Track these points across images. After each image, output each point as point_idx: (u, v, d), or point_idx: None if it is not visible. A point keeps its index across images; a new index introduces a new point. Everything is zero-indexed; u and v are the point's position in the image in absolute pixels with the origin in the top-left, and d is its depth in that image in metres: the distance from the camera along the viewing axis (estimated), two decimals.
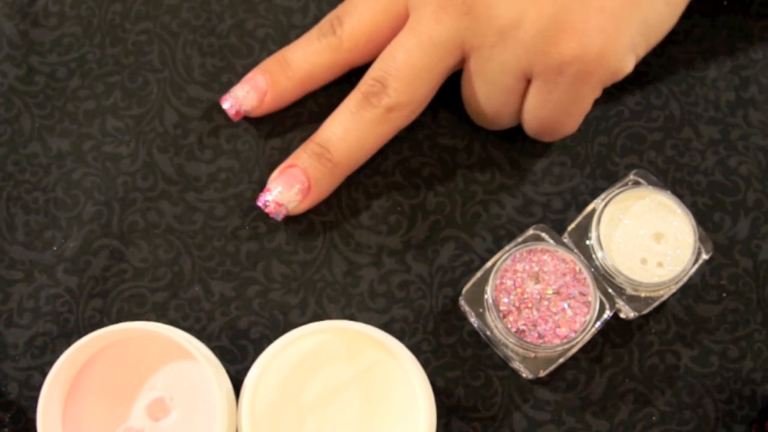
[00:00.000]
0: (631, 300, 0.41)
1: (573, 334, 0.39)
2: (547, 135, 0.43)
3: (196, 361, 0.39)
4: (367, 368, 0.40)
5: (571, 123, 0.42)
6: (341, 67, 0.43)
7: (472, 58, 0.41)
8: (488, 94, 0.41)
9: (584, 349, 0.42)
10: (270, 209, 0.42)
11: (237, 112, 0.43)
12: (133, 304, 0.42)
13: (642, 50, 0.40)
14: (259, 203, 0.42)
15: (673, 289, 0.41)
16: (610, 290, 0.41)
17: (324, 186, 0.42)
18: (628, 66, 0.40)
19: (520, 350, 0.40)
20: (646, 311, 0.41)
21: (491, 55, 0.40)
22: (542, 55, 0.38)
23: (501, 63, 0.40)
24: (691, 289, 0.43)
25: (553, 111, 0.41)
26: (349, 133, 0.41)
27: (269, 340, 0.40)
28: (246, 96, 0.43)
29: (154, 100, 0.45)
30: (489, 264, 0.41)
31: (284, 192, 0.42)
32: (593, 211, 0.42)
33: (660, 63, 0.46)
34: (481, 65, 0.40)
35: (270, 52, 0.45)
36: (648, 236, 0.41)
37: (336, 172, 0.42)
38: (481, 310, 0.41)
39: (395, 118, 0.41)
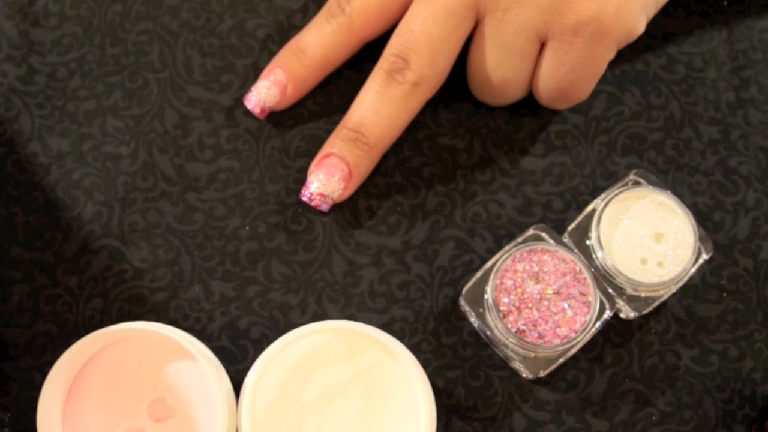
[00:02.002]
0: (631, 300, 0.41)
1: (573, 334, 0.39)
2: (560, 101, 0.43)
3: (196, 361, 0.39)
4: (367, 368, 0.40)
5: (586, 86, 0.42)
6: (355, 45, 0.43)
7: (484, 21, 0.40)
8: (500, 59, 0.41)
9: (584, 349, 0.42)
10: (315, 202, 0.42)
11: (262, 110, 0.43)
12: (133, 304, 0.42)
13: (652, 11, 0.41)
14: (304, 198, 0.42)
15: (673, 289, 0.41)
16: (610, 290, 0.41)
17: (364, 170, 0.42)
18: (640, 26, 0.40)
19: (520, 350, 0.40)
20: (646, 311, 0.41)
21: (505, 18, 0.40)
22: (558, 16, 0.38)
23: (515, 25, 0.40)
24: (691, 289, 0.43)
25: (569, 74, 0.41)
26: (380, 114, 0.41)
27: (269, 340, 0.40)
28: (268, 93, 0.43)
29: (154, 101, 0.45)
30: (489, 264, 0.42)
31: (326, 182, 0.42)
32: (593, 211, 0.42)
33: (660, 63, 0.46)
34: (494, 28, 0.40)
35: (270, 52, 0.45)
36: (648, 236, 0.41)
37: (373, 154, 0.42)
38: (481, 310, 0.41)
39: (422, 91, 0.41)
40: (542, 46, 0.40)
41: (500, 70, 0.41)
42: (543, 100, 0.43)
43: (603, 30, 0.39)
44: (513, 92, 0.43)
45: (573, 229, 0.42)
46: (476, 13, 0.40)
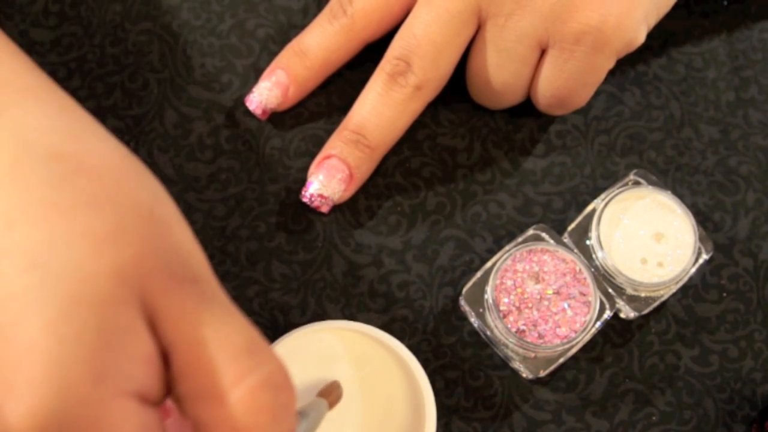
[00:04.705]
0: (631, 300, 0.41)
1: (573, 334, 0.39)
2: (558, 107, 0.43)
3: None
4: (367, 368, 0.40)
5: (584, 94, 0.42)
6: (357, 46, 0.43)
7: (486, 26, 0.40)
8: (500, 64, 0.41)
9: (584, 349, 0.42)
10: (315, 203, 0.42)
11: (264, 111, 0.43)
12: None
13: (653, 20, 0.41)
14: (304, 199, 0.42)
15: (674, 289, 0.41)
16: (610, 290, 0.41)
17: (364, 171, 0.42)
18: (641, 36, 0.40)
19: (520, 350, 0.40)
20: (646, 311, 0.41)
21: (507, 24, 0.40)
22: (560, 24, 0.39)
23: (517, 31, 0.40)
24: (691, 289, 0.43)
25: (568, 81, 0.41)
26: (381, 116, 0.41)
27: (269, 340, 0.40)
28: (269, 94, 0.43)
29: (154, 100, 0.45)
30: (489, 264, 0.42)
31: (326, 184, 0.42)
32: (593, 211, 0.42)
33: (660, 63, 0.46)
34: (496, 33, 0.40)
35: (270, 52, 0.45)
36: (648, 236, 0.41)
37: (374, 155, 0.42)
38: (481, 310, 0.41)
39: (423, 94, 0.42)
40: (543, 52, 0.40)
41: (500, 75, 0.41)
42: (541, 106, 0.43)
43: (604, 39, 0.39)
44: (512, 97, 0.43)
45: (573, 229, 0.42)
46: (478, 17, 0.40)
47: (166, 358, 0.27)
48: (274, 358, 0.28)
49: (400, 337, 0.42)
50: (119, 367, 0.25)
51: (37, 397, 0.24)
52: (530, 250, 0.40)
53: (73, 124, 0.29)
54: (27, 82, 0.30)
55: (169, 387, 0.27)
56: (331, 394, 0.37)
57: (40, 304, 0.25)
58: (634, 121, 0.45)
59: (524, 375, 0.41)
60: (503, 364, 0.42)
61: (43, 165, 0.27)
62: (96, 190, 0.27)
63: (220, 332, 0.27)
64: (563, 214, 0.44)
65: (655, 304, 0.41)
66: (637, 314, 0.41)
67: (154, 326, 0.27)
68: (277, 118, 0.45)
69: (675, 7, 0.46)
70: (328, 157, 0.42)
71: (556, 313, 0.40)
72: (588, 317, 0.40)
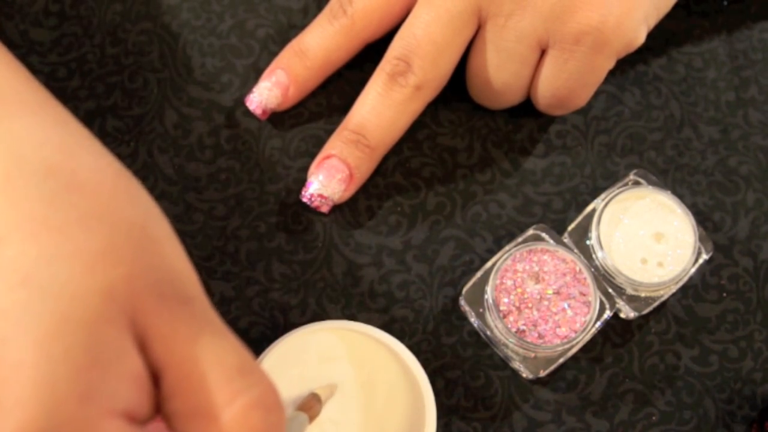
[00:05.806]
0: (631, 300, 0.41)
1: (573, 334, 0.39)
2: (558, 108, 0.43)
3: None
4: (367, 368, 0.40)
5: (584, 95, 0.42)
6: (357, 46, 0.43)
7: (486, 26, 0.41)
8: (500, 64, 0.41)
9: (584, 349, 0.42)
10: (315, 203, 0.42)
11: (264, 111, 0.43)
12: None
13: (653, 21, 0.41)
14: (304, 199, 0.42)
15: (673, 289, 0.41)
16: (610, 290, 0.41)
17: (364, 171, 0.43)
18: (641, 37, 0.40)
19: (520, 350, 0.40)
20: (646, 311, 0.41)
21: (507, 24, 0.40)
22: (560, 24, 0.39)
23: (517, 31, 0.40)
24: (691, 289, 0.43)
25: (568, 81, 0.41)
26: (381, 116, 0.41)
27: (269, 340, 0.40)
28: (270, 94, 0.43)
29: (154, 100, 0.45)
30: (489, 264, 0.42)
31: (326, 184, 0.42)
32: (593, 211, 0.42)
33: (660, 63, 0.46)
34: (495, 34, 0.40)
35: (270, 52, 0.45)
36: (648, 236, 0.41)
37: (374, 155, 0.42)
38: (481, 310, 0.41)
39: (423, 94, 0.42)
40: (543, 53, 0.41)
41: (500, 75, 0.41)
42: (541, 106, 0.43)
43: (604, 40, 0.39)
44: (512, 97, 0.43)
45: (573, 229, 0.42)
46: (478, 18, 0.40)
47: (155, 377, 0.27)
48: (266, 378, 0.28)
49: (400, 337, 0.42)
50: (107, 385, 0.25)
51: (26, 415, 0.24)
52: (530, 250, 0.40)
53: (67, 138, 0.29)
54: (23, 95, 0.30)
55: (158, 405, 0.27)
56: (311, 408, 0.38)
57: (29, 321, 0.25)
58: (634, 121, 0.45)
59: (524, 375, 0.41)
60: (503, 364, 0.42)
61: (36, 180, 0.27)
62: (88, 207, 0.27)
63: (212, 352, 0.27)
64: (563, 214, 0.44)
65: (655, 304, 0.41)
66: (637, 314, 0.41)
67: (144, 345, 0.27)
68: (277, 118, 0.45)
69: (675, 7, 0.46)
70: (328, 157, 0.42)
71: (556, 313, 0.40)
72: (588, 317, 0.40)
